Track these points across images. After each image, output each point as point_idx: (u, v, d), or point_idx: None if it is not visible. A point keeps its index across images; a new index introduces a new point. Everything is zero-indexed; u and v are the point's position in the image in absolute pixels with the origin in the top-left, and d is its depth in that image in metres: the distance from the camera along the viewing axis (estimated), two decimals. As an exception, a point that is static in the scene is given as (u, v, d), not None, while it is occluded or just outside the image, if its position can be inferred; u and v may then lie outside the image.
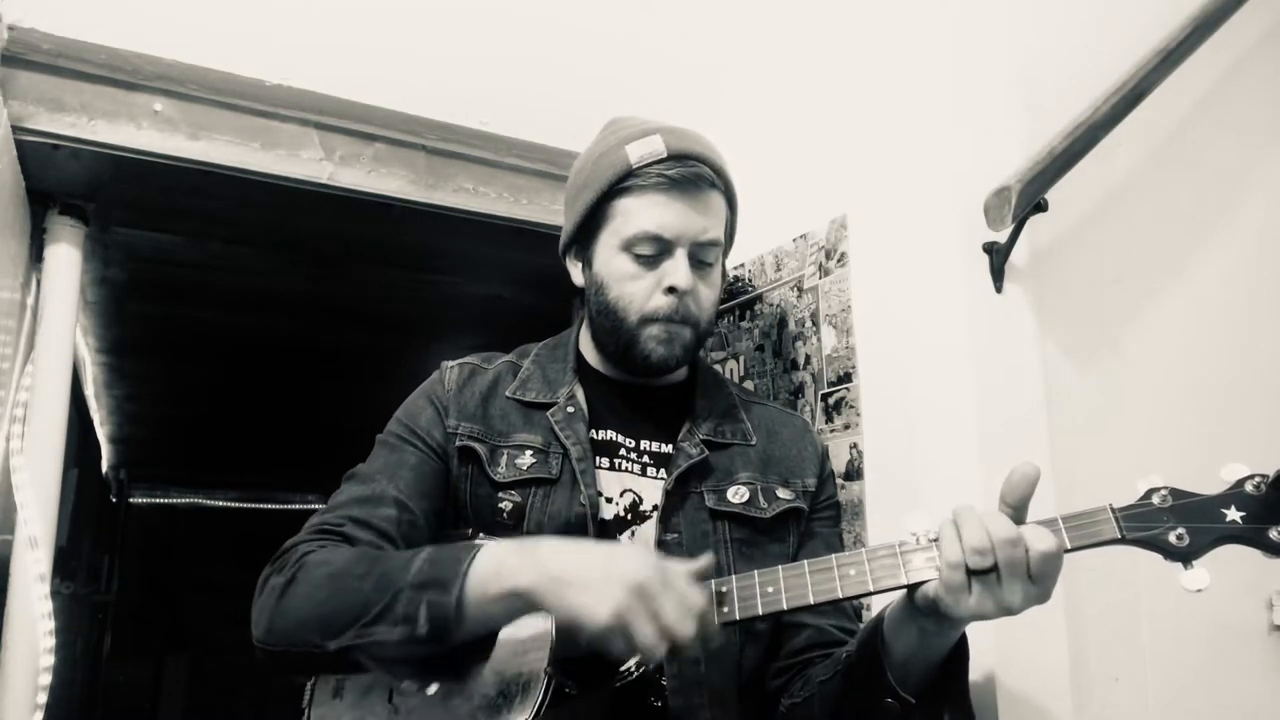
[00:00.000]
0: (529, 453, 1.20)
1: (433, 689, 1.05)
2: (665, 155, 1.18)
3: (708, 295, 1.23)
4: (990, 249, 1.39)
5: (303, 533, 1.14)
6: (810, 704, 1.13)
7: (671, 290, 1.18)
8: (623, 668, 1.09)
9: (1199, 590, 0.88)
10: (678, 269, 1.18)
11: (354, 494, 1.17)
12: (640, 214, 1.18)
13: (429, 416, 1.23)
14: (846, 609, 1.26)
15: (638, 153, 1.19)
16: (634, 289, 1.20)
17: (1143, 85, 1.39)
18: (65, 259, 1.76)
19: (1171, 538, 0.90)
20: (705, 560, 0.98)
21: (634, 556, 0.94)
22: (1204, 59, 1.49)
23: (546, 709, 0.97)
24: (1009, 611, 0.92)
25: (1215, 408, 1.53)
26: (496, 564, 0.96)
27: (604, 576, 0.91)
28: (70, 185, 1.74)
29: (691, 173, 1.18)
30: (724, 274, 1.32)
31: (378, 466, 1.20)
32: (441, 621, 0.95)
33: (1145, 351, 1.50)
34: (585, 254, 1.27)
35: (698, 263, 1.20)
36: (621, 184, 1.19)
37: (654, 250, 1.19)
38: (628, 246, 1.19)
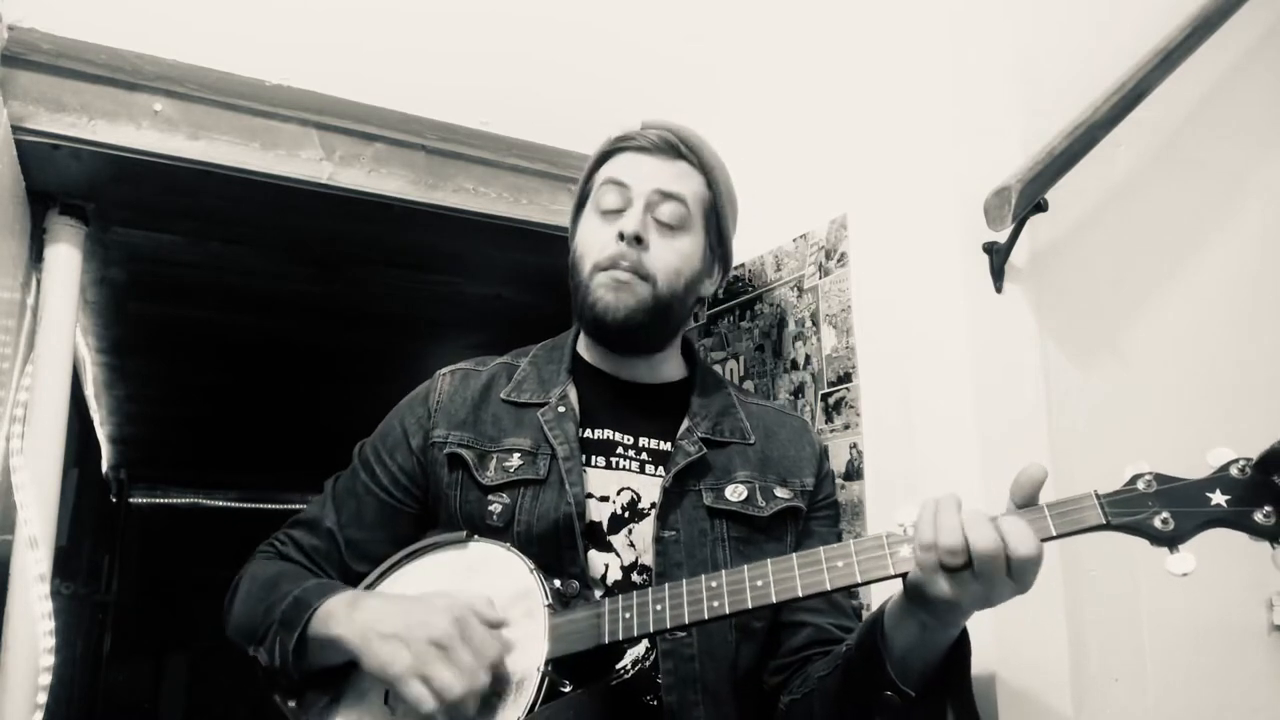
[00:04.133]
0: (517, 455, 1.20)
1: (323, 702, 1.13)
2: (639, 128, 1.29)
3: (668, 257, 1.24)
4: (990, 249, 1.39)
5: (272, 535, 1.30)
6: (810, 700, 1.13)
7: (621, 237, 1.21)
8: (618, 665, 1.09)
9: (1185, 574, 0.88)
10: (630, 216, 1.23)
11: (306, 515, 1.29)
12: (606, 170, 1.28)
13: (395, 438, 1.27)
14: (845, 608, 1.26)
15: (618, 131, 1.31)
16: (592, 240, 1.25)
17: (1143, 85, 1.39)
18: (65, 259, 1.76)
19: (1156, 522, 0.89)
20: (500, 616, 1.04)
21: (440, 609, 1.00)
22: (1204, 59, 1.49)
23: (540, 706, 0.97)
24: (987, 604, 0.92)
25: (1215, 407, 1.53)
26: (328, 613, 1.07)
27: (405, 628, 0.99)
28: (70, 185, 1.73)
29: (658, 137, 1.27)
30: (716, 258, 1.32)
31: (338, 489, 1.29)
32: (285, 660, 1.08)
33: (1145, 351, 1.50)
34: (571, 234, 1.33)
35: (660, 224, 1.24)
36: (602, 160, 1.31)
37: (617, 203, 1.25)
38: (595, 205, 1.27)
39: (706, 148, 1.30)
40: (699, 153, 1.29)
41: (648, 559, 1.17)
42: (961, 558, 0.90)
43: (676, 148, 1.27)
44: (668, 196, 1.24)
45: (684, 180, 1.27)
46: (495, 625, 1.02)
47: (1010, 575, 0.90)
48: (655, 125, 1.28)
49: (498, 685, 1.00)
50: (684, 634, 1.13)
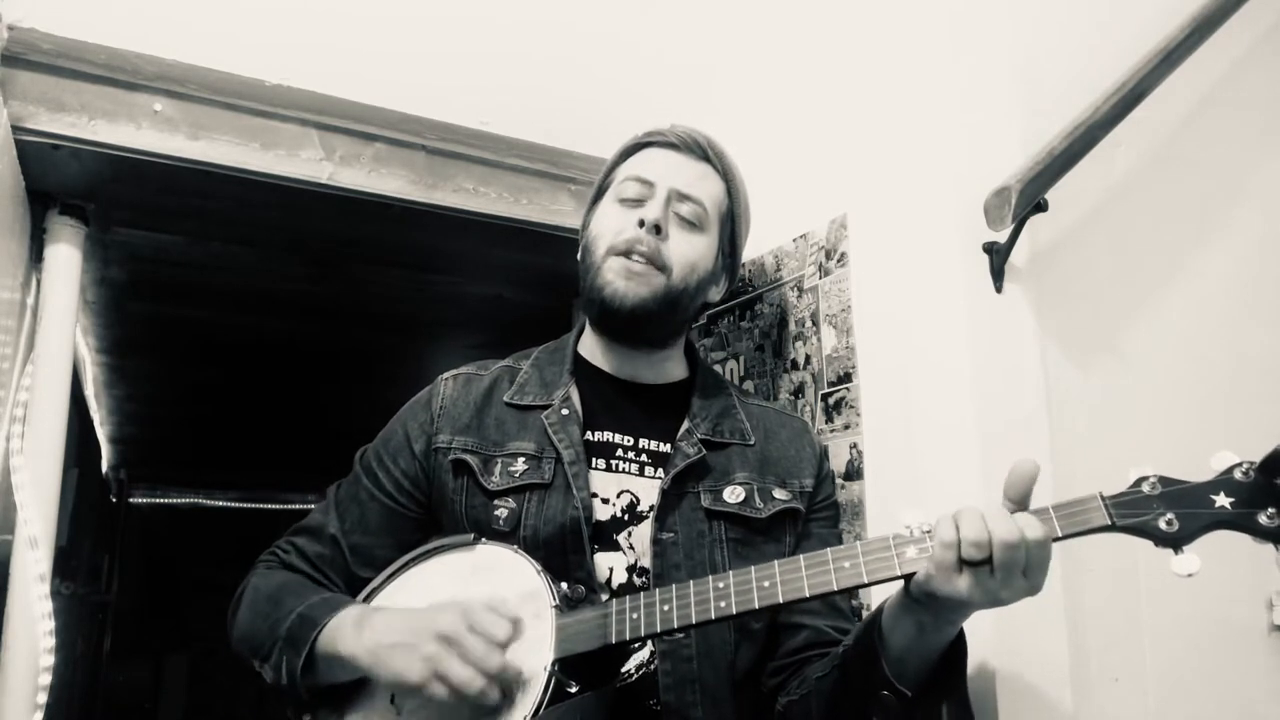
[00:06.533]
0: (521, 460, 1.20)
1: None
2: (667, 129, 1.30)
3: (685, 250, 1.25)
4: (990, 249, 1.39)
5: (275, 544, 1.30)
6: (808, 701, 1.13)
7: (641, 223, 1.21)
8: (623, 669, 1.09)
9: (1189, 575, 0.89)
10: (652, 205, 1.24)
11: (309, 522, 1.29)
12: (631, 165, 1.30)
13: (397, 443, 1.27)
14: (844, 610, 1.26)
15: (645, 129, 1.33)
16: (608, 225, 1.26)
17: (1143, 85, 1.39)
18: (65, 259, 1.76)
19: (1161, 524, 0.91)
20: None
21: (440, 611, 1.01)
22: (1204, 59, 1.49)
23: (547, 707, 0.97)
24: (999, 603, 0.92)
25: (1215, 407, 1.53)
26: (335, 632, 1.07)
27: (411, 634, 1.00)
28: (70, 185, 1.73)
29: (686, 136, 1.29)
30: (725, 266, 1.33)
31: (341, 495, 1.28)
32: (292, 678, 1.08)
33: (1145, 351, 1.50)
34: (586, 223, 1.33)
35: (679, 219, 1.25)
36: (625, 155, 1.33)
37: (638, 194, 1.26)
38: (615, 195, 1.28)
39: (730, 158, 1.33)
40: (723, 159, 1.31)
41: (646, 561, 1.17)
42: (985, 550, 0.90)
43: (704, 149, 1.29)
44: (688, 196, 1.25)
45: (706, 182, 1.28)
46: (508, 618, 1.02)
47: (1025, 571, 0.91)
48: (681, 127, 1.30)
49: (505, 686, 1.00)
50: (683, 635, 1.13)
